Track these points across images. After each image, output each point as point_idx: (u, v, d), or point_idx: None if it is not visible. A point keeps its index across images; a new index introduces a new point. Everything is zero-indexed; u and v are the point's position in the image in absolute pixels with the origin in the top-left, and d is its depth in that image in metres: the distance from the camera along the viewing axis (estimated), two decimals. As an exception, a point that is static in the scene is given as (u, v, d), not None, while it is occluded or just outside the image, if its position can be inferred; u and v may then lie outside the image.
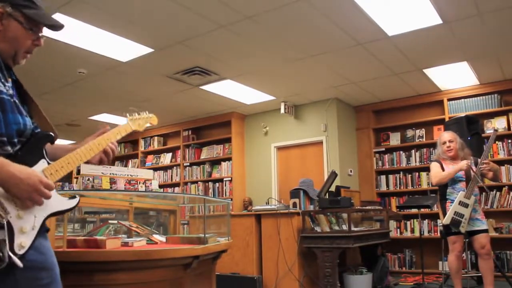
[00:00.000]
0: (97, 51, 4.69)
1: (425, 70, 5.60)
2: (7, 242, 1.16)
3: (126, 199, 3.16)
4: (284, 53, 4.96)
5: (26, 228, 1.23)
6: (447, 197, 3.93)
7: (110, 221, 3.06)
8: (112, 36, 4.35)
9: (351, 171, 6.80)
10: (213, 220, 4.28)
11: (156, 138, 8.61)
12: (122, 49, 4.69)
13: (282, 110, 6.77)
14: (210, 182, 7.73)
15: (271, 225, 4.86)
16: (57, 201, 1.33)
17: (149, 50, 4.75)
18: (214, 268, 3.03)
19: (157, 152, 8.63)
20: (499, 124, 5.99)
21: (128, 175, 2.76)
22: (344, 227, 4.66)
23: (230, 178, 7.39)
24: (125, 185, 2.73)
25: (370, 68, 5.48)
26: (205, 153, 7.92)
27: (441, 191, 4.01)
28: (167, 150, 8.48)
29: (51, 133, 1.39)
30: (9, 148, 1.28)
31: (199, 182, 7.85)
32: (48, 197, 1.26)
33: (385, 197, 6.81)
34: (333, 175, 5.22)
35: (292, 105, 6.98)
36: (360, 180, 6.99)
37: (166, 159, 8.43)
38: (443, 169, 3.93)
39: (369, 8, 3.93)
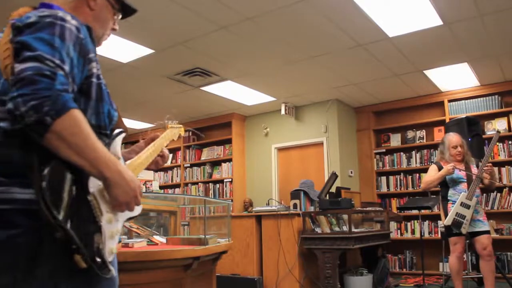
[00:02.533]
0: (98, 52, 4.68)
1: (425, 71, 5.60)
2: (104, 248, 1.08)
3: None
4: (284, 54, 4.97)
5: (114, 233, 1.15)
6: (448, 198, 3.93)
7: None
8: (113, 37, 4.35)
9: (351, 172, 6.80)
10: (213, 221, 4.28)
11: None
12: (123, 50, 4.70)
13: (283, 111, 6.77)
14: (210, 183, 7.73)
15: (271, 226, 4.86)
16: None
17: (150, 51, 4.75)
18: (215, 269, 3.03)
19: (157, 153, 8.62)
20: (499, 125, 5.99)
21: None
22: (345, 228, 4.66)
23: (230, 179, 7.39)
24: (125, 186, 2.73)
25: (371, 69, 5.48)
26: (206, 154, 7.92)
27: (443, 192, 4.02)
28: (168, 151, 8.46)
29: (125, 132, 1.33)
30: (106, 141, 1.21)
31: (199, 183, 7.86)
32: (140, 204, 1.19)
33: (386, 198, 6.81)
34: (333, 176, 5.21)
35: (293, 106, 6.98)
36: (360, 181, 6.99)
37: (166, 160, 8.42)
38: None
39: (370, 9, 3.94)
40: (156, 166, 1.60)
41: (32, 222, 1.01)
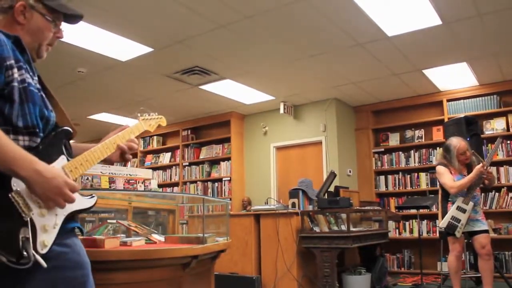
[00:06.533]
0: (97, 50, 4.68)
1: (424, 71, 5.60)
2: (31, 240, 1.12)
3: (125, 199, 3.16)
4: (283, 53, 4.96)
5: (48, 226, 1.19)
6: (449, 199, 3.95)
7: (109, 221, 3.06)
8: (111, 35, 4.34)
9: (350, 171, 6.81)
10: (212, 220, 4.28)
11: (155, 137, 8.60)
12: (122, 48, 4.69)
13: (282, 110, 6.77)
14: (209, 182, 7.73)
15: (270, 225, 4.86)
16: (78, 200, 1.29)
17: (149, 49, 4.74)
18: (213, 268, 3.02)
19: (156, 152, 8.63)
20: (498, 125, 6.00)
21: (127, 175, 2.76)
22: (343, 227, 4.66)
23: (229, 178, 7.39)
24: (124, 184, 2.73)
25: (370, 69, 5.48)
26: (204, 153, 7.92)
27: (444, 192, 4.03)
28: (166, 150, 8.48)
29: (69, 129, 1.37)
30: (38, 140, 1.26)
31: (198, 182, 7.85)
32: (72, 200, 1.22)
33: (384, 198, 6.82)
34: (332, 175, 5.22)
35: (292, 105, 6.98)
36: (359, 180, 6.99)
37: (165, 158, 8.42)
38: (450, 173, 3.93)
39: (369, 8, 3.94)
40: (124, 159, 1.60)
41: None
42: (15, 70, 1.23)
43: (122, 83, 5.85)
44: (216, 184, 7.62)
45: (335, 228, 4.69)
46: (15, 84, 1.22)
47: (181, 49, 4.75)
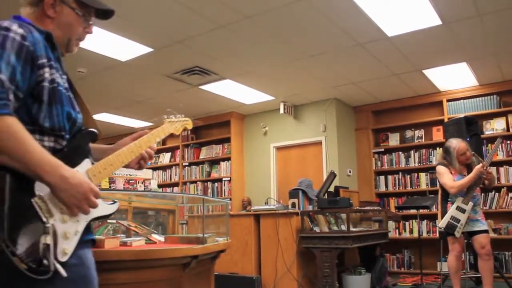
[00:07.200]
0: (97, 50, 4.68)
1: (424, 71, 5.60)
2: (52, 248, 1.07)
3: (125, 199, 3.16)
4: (283, 53, 4.96)
5: (69, 233, 1.15)
6: (449, 199, 3.95)
7: (108, 221, 3.06)
8: (111, 36, 4.34)
9: (350, 171, 6.81)
10: (212, 220, 4.28)
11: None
12: (122, 48, 4.69)
13: (282, 110, 6.76)
14: (209, 182, 7.73)
15: (270, 225, 4.86)
16: (100, 206, 1.24)
17: (149, 49, 4.74)
18: (213, 268, 3.02)
19: (156, 152, 8.56)
20: (498, 125, 6.00)
21: (127, 175, 2.76)
22: (343, 228, 4.66)
23: (229, 178, 7.39)
24: (124, 184, 2.73)
25: (370, 69, 5.48)
26: (204, 153, 7.92)
27: (444, 192, 4.03)
28: (166, 150, 8.47)
29: (95, 131, 1.32)
30: (63, 143, 1.23)
31: (198, 182, 7.85)
32: (95, 206, 1.18)
33: (384, 198, 6.82)
34: (332, 176, 5.22)
35: (292, 105, 6.98)
36: (359, 180, 6.99)
37: (165, 158, 8.42)
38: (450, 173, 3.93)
39: (369, 8, 3.94)
40: (139, 167, 1.54)
41: None
42: (46, 69, 1.20)
43: (122, 83, 5.85)
44: (216, 184, 7.62)
45: (335, 228, 4.69)
46: (46, 84, 1.20)
47: (181, 49, 4.74)
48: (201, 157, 7.92)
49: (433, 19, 4.14)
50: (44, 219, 1.09)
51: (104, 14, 1.47)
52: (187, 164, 7.99)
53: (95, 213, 1.23)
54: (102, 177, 1.30)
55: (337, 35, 4.46)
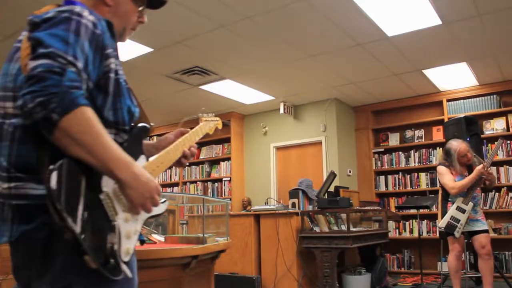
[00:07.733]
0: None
1: (424, 71, 5.60)
2: (119, 247, 1.04)
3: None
4: (283, 53, 4.96)
5: (131, 232, 1.11)
6: (449, 199, 3.95)
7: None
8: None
9: (350, 171, 6.81)
10: (212, 220, 4.28)
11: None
12: (122, 48, 4.67)
13: (282, 110, 6.76)
14: (209, 182, 7.73)
15: (270, 225, 4.86)
16: None
17: (149, 49, 4.74)
18: (213, 268, 3.03)
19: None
20: (498, 125, 6.00)
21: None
22: (343, 228, 4.66)
23: (229, 178, 7.39)
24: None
25: (370, 69, 5.48)
26: (204, 153, 7.92)
27: (445, 192, 4.03)
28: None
29: (148, 126, 1.28)
30: (125, 137, 1.18)
31: (198, 182, 7.85)
32: (158, 205, 1.14)
33: (384, 198, 6.81)
34: (332, 175, 5.22)
35: (292, 105, 6.98)
36: (359, 180, 6.99)
37: (165, 158, 8.41)
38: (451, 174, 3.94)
39: (369, 8, 3.94)
40: (181, 165, 1.51)
41: (46, 218, 0.99)
42: (112, 59, 1.16)
43: (122, 83, 5.85)
44: (216, 184, 7.61)
45: (335, 228, 4.70)
46: (112, 75, 1.15)
47: (181, 49, 4.74)
48: (201, 157, 7.91)
49: (433, 19, 4.14)
50: (111, 217, 1.06)
51: (156, 3, 1.43)
52: (187, 164, 7.97)
53: (154, 211, 1.20)
54: (156, 174, 1.26)
55: (337, 35, 4.46)
